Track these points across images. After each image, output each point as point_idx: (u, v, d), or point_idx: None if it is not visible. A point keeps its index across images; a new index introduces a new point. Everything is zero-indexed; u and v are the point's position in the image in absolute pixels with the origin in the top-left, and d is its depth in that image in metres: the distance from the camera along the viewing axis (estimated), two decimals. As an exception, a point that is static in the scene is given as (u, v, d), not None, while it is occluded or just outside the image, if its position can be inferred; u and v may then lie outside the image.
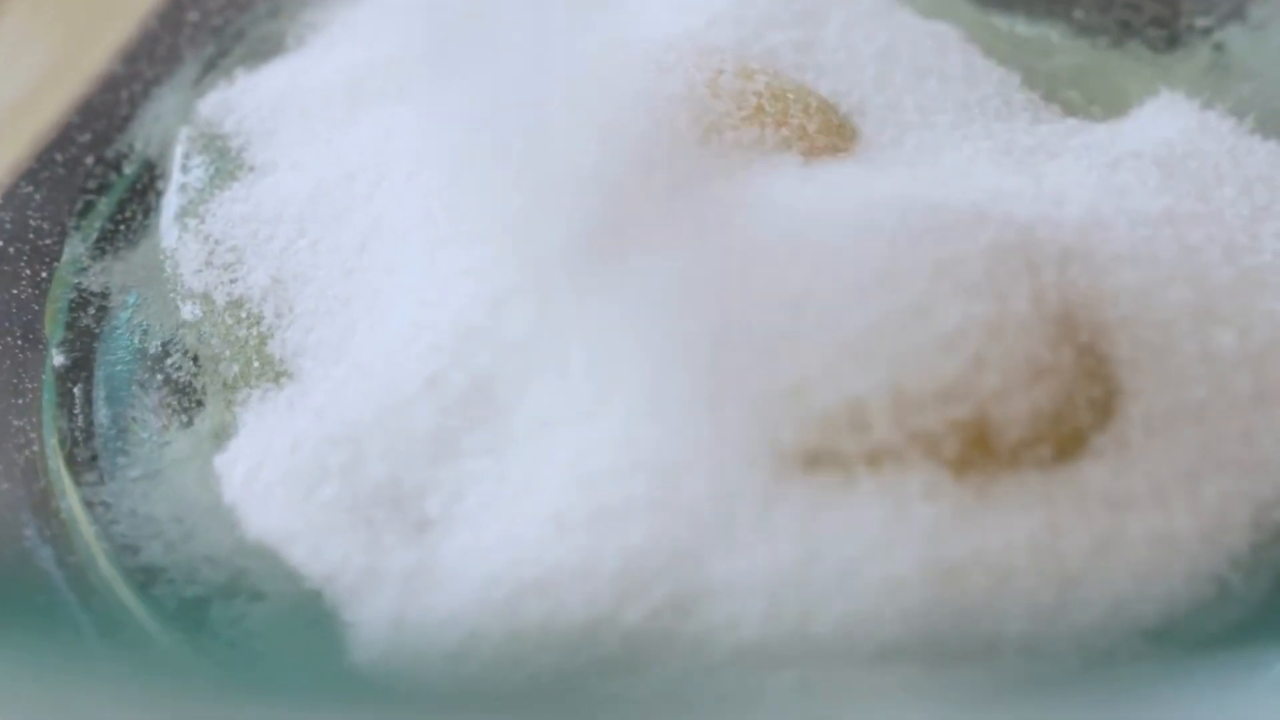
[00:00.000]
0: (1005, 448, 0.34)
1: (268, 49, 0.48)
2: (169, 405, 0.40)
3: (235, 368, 0.40)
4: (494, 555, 0.34)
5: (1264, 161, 0.42)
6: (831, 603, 0.33)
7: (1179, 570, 0.34)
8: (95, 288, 0.43)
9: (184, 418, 0.40)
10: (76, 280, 0.43)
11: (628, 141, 0.38)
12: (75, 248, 0.44)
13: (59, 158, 0.46)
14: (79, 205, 0.45)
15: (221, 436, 0.39)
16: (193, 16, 0.50)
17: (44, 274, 0.43)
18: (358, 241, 0.40)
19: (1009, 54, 0.46)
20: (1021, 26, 0.48)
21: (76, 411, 0.41)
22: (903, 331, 0.34)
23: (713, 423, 0.34)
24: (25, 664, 0.29)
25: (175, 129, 0.46)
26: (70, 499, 0.39)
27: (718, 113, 0.39)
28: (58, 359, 0.42)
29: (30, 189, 0.45)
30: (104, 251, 0.44)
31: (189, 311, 0.41)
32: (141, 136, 0.47)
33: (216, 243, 0.42)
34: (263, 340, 0.40)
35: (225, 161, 0.45)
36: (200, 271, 0.42)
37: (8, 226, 0.44)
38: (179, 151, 0.45)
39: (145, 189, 0.45)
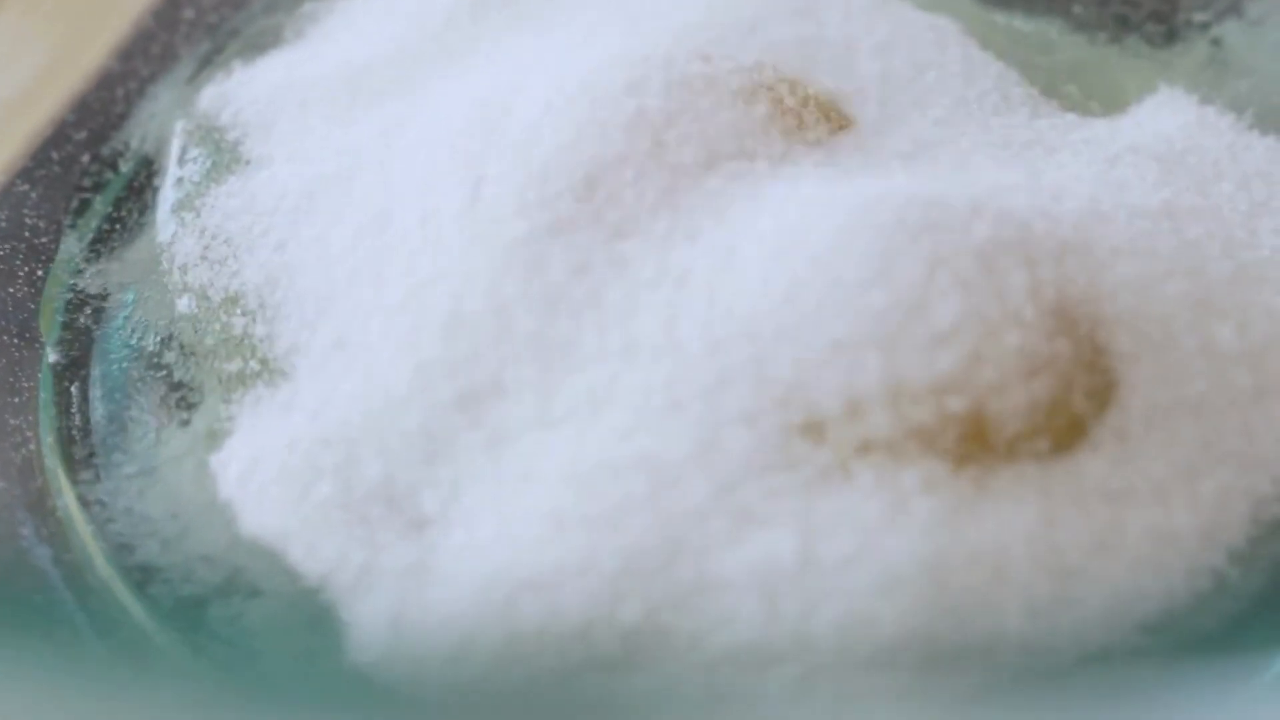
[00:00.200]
0: (1003, 441, 0.34)
1: (265, 42, 0.48)
2: (165, 403, 0.40)
3: (231, 366, 0.40)
4: (492, 553, 0.34)
5: (1262, 157, 0.41)
6: (830, 599, 0.33)
7: (1177, 564, 0.34)
8: (91, 286, 0.43)
9: (180, 416, 0.40)
10: (72, 279, 0.43)
11: (621, 135, 0.38)
12: (71, 246, 0.44)
13: (55, 156, 0.46)
14: (75, 203, 0.45)
15: (217, 435, 0.39)
16: (188, 14, 0.49)
17: (40, 272, 0.43)
18: (354, 236, 0.40)
19: (1008, 49, 0.46)
20: (1020, 21, 0.48)
21: (73, 410, 0.41)
22: (900, 326, 0.34)
23: (710, 420, 0.34)
24: (22, 663, 0.29)
25: (171, 125, 0.46)
26: (66, 497, 0.39)
27: (714, 106, 0.39)
28: (53, 357, 0.42)
29: (26, 187, 0.45)
30: (100, 250, 0.44)
31: (185, 306, 0.41)
32: (137, 134, 0.46)
33: (212, 237, 0.42)
34: (258, 337, 0.40)
35: (222, 154, 0.44)
36: (196, 266, 0.42)
37: (3, 225, 0.44)
38: (175, 145, 0.45)
39: (141, 187, 0.45)
